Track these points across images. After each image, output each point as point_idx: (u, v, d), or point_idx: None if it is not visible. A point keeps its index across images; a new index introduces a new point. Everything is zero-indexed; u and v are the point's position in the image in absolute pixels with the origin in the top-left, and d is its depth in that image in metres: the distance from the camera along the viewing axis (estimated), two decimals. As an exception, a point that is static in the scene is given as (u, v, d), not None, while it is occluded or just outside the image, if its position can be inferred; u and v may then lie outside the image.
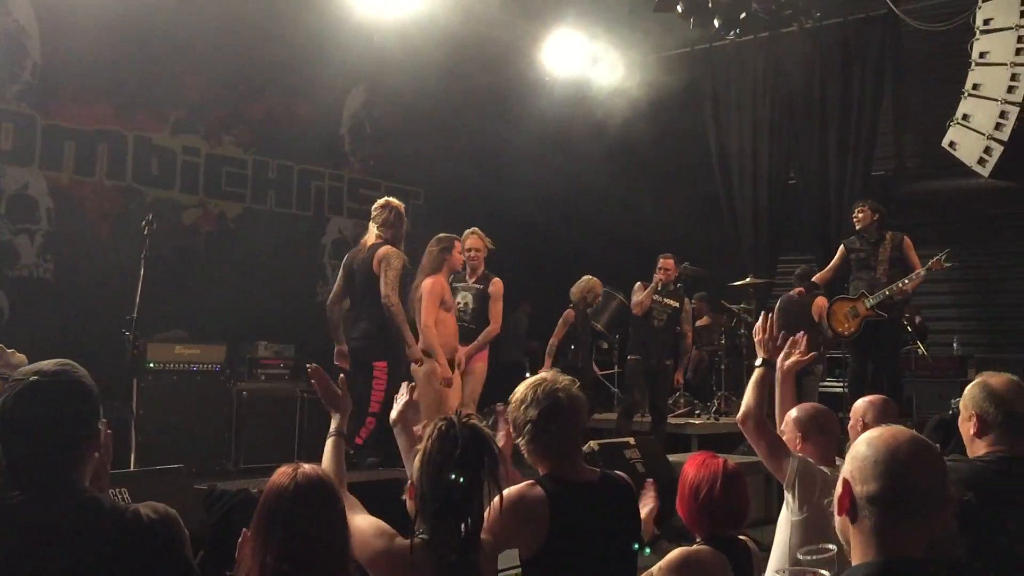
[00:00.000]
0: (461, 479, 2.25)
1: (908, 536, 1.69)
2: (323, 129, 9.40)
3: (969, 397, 2.70)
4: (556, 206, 10.13)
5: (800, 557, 1.75)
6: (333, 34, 8.48)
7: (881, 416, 3.62)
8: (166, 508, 2.02)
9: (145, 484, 4.10)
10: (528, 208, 9.64)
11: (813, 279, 8.10)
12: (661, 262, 8.09)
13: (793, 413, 3.57)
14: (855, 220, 7.95)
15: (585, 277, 8.17)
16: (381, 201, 6.16)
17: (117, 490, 3.99)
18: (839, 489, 1.74)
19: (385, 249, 5.91)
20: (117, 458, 5.70)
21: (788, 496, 3.27)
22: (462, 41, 8.93)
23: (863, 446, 1.76)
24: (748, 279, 9.19)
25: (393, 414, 2.84)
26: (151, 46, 7.84)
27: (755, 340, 3.66)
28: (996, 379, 2.69)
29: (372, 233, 6.06)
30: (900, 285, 7.60)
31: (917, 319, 8.16)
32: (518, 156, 9.75)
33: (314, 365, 2.91)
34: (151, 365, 6.91)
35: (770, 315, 3.75)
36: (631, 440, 6.01)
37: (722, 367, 8.96)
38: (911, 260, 7.88)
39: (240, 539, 2.10)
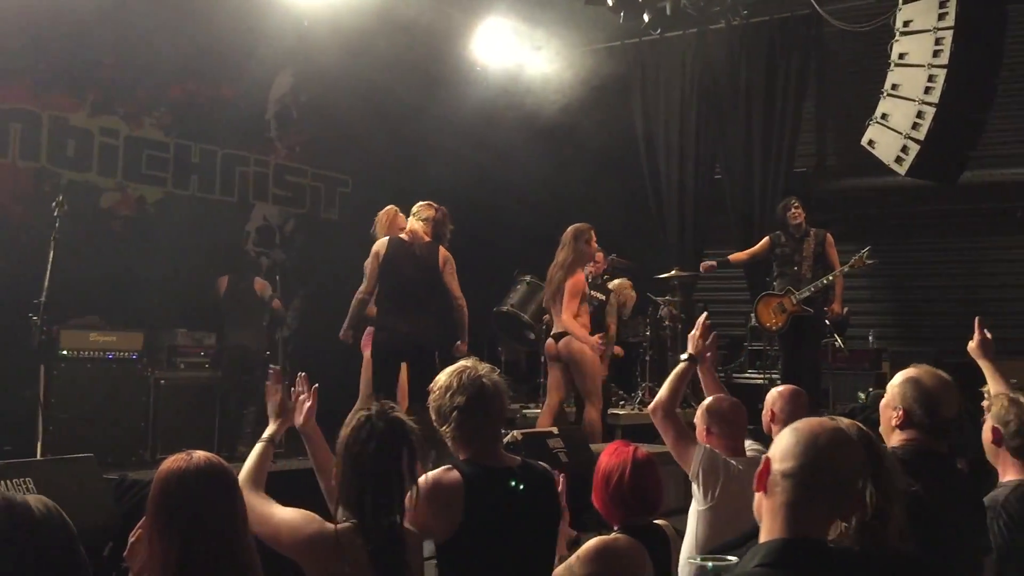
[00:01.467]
0: (381, 469, 2.26)
1: (815, 516, 1.75)
2: (248, 113, 9.20)
3: (898, 390, 2.72)
4: (485, 195, 10.10)
5: (699, 563, 1.76)
6: (260, 16, 8.30)
7: (791, 406, 3.69)
8: (48, 501, 1.91)
9: (52, 473, 3.95)
10: (457, 197, 9.53)
11: (728, 257, 8.24)
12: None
13: (704, 403, 3.62)
14: (791, 216, 8.09)
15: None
16: (426, 202, 6.40)
17: (22, 479, 3.84)
18: (760, 467, 1.80)
19: (445, 251, 6.30)
20: (22, 446, 5.55)
21: (694, 486, 3.32)
22: (392, 27, 8.83)
23: (788, 432, 1.83)
24: (674, 272, 9.29)
25: (299, 418, 2.82)
26: (69, 24, 7.56)
27: (690, 336, 3.74)
28: (930, 379, 2.71)
29: (417, 227, 6.26)
30: (826, 282, 7.77)
31: (845, 310, 8.35)
32: (448, 144, 9.69)
33: (276, 368, 2.90)
34: (64, 352, 6.68)
35: (706, 315, 3.85)
36: (555, 430, 6.02)
37: (647, 358, 9.03)
38: (831, 258, 8.06)
39: (132, 535, 2.04)
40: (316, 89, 9.55)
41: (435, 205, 6.41)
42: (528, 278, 8.84)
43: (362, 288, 6.28)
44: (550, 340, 7.12)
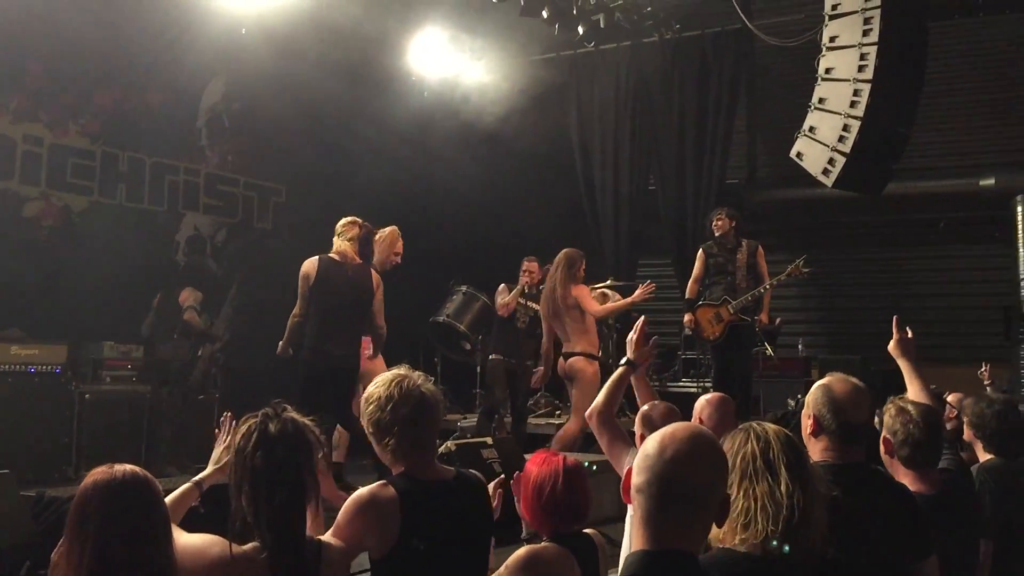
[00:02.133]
0: (277, 478, 2.16)
1: (674, 528, 1.75)
2: (179, 121, 9.02)
3: (811, 397, 2.74)
4: (421, 204, 10.06)
5: None
6: (191, 22, 8.15)
7: (719, 414, 3.73)
8: None
9: (-34, 492, 3.80)
10: (392, 207, 9.51)
11: (687, 297, 8.25)
12: (525, 265, 8.13)
13: (643, 409, 3.64)
14: (715, 227, 8.18)
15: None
16: (350, 219, 6.33)
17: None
18: (623, 479, 1.82)
19: (376, 274, 6.32)
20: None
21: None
22: (327, 35, 8.74)
23: (648, 441, 1.82)
24: (609, 281, 9.33)
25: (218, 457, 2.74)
26: (-11, 27, 7.34)
27: (627, 340, 3.74)
28: (839, 385, 2.71)
29: (346, 247, 6.22)
30: (761, 291, 7.89)
31: (777, 320, 8.48)
32: (383, 154, 9.62)
33: (228, 415, 2.81)
34: (-17, 366, 6.45)
35: (643, 319, 3.85)
36: (488, 440, 5.99)
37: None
38: (762, 268, 8.18)
39: (55, 553, 1.96)
40: (249, 97, 9.42)
41: (359, 221, 6.35)
42: (464, 288, 8.81)
43: (295, 310, 6.23)
44: (560, 360, 7.20)
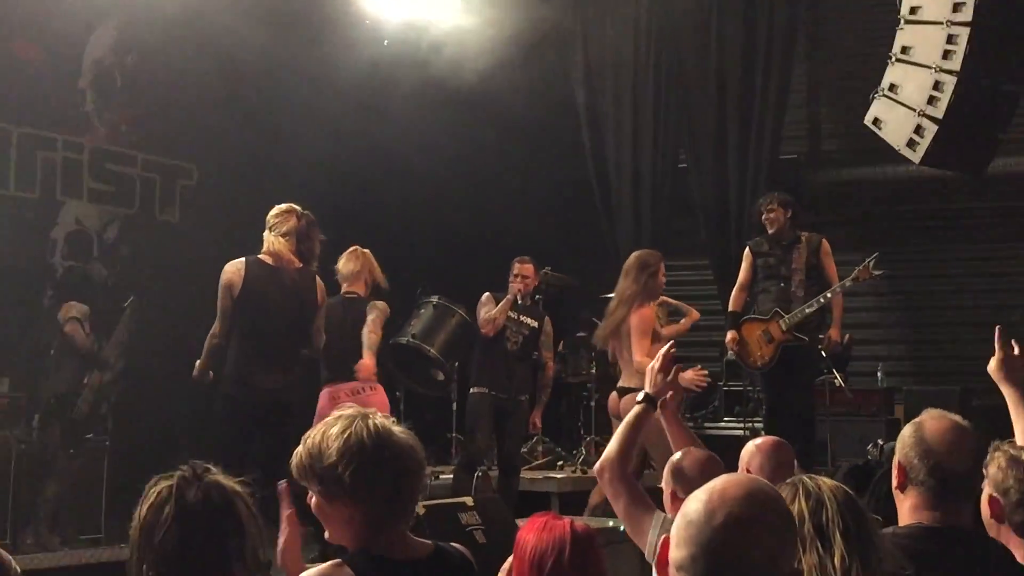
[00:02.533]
0: (195, 562, 2.15)
1: None
2: (55, 80, 8.99)
3: (900, 440, 2.77)
4: (377, 188, 10.03)
5: None
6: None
7: (772, 464, 3.73)
8: None
9: None
10: (339, 191, 9.51)
11: (730, 308, 8.23)
12: (517, 267, 8.13)
13: (672, 459, 3.64)
14: (765, 221, 8.19)
15: None
16: (285, 207, 6.38)
17: None
18: (658, 552, 1.85)
19: (320, 282, 6.47)
20: None
21: (654, 571, 3.31)
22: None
23: (691, 501, 1.82)
24: (627, 291, 9.35)
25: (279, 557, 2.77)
26: None
27: (647, 370, 3.79)
28: (933, 423, 2.73)
29: (281, 246, 6.27)
30: (821, 301, 7.88)
31: (846, 337, 8.50)
32: (328, 123, 9.59)
33: (283, 484, 2.78)
34: None
35: (671, 345, 3.93)
36: (468, 501, 5.99)
37: (591, 403, 9.07)
38: (828, 270, 8.18)
39: None
40: (148, 48, 9.38)
41: (297, 209, 6.37)
42: (435, 299, 8.78)
43: (214, 329, 6.26)
44: (613, 395, 7.24)
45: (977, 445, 2.78)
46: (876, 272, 7.94)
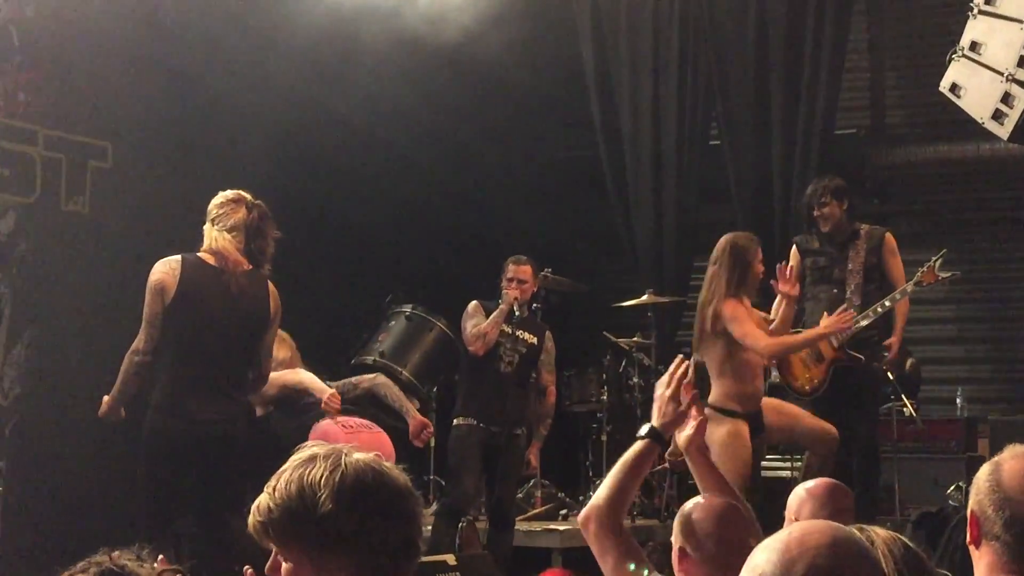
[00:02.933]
0: None
1: None
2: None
3: (974, 484, 2.77)
4: (335, 176, 9.99)
5: None
6: None
7: (826, 512, 3.74)
8: None
9: None
10: (288, 177, 9.50)
11: (771, 319, 8.12)
12: (512, 269, 8.15)
13: (684, 507, 3.61)
14: (819, 218, 8.20)
15: None
16: (232, 195, 6.40)
17: None
18: None
19: (273, 288, 6.48)
20: None
21: None
22: None
23: (760, 552, 1.86)
24: (646, 296, 9.36)
25: None
26: None
27: (655, 396, 3.76)
28: (1014, 463, 2.72)
29: (226, 243, 6.28)
30: (884, 308, 7.88)
31: (908, 363, 8.49)
32: (272, 91, 9.58)
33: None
34: None
35: (689, 362, 3.86)
36: (449, 559, 5.99)
37: (603, 437, 9.07)
38: (894, 270, 8.20)
39: None
40: (52, 1, 9.38)
41: (247, 198, 6.38)
42: (409, 310, 8.80)
43: (138, 342, 6.22)
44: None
45: None
46: (944, 274, 7.91)
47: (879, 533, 2.24)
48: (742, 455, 6.87)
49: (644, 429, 3.72)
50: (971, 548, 2.73)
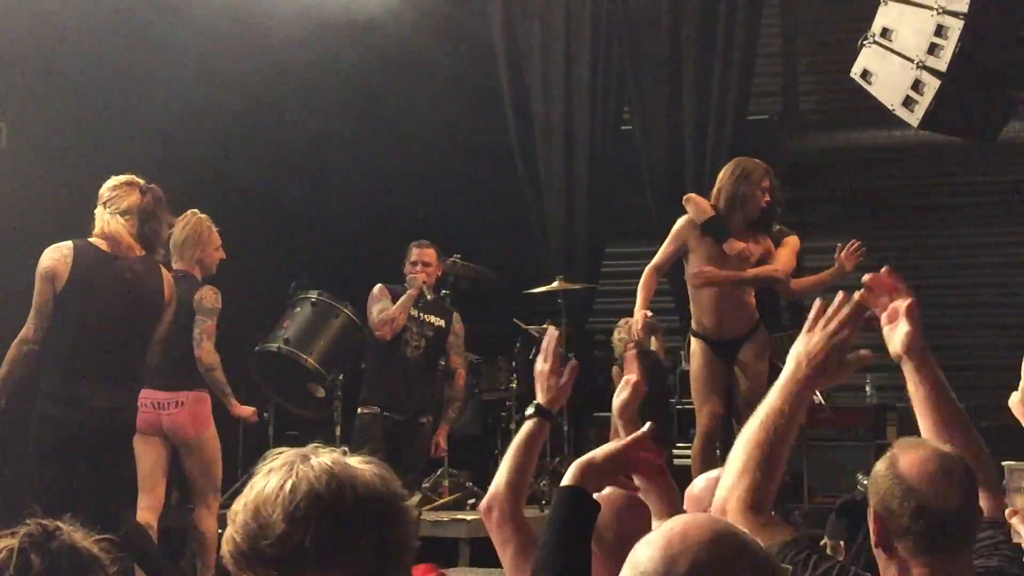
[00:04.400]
0: None
1: None
2: None
3: (872, 486, 2.79)
4: (240, 153, 9.84)
5: None
6: None
7: None
8: None
9: None
10: (191, 156, 9.33)
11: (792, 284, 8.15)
12: (415, 253, 8.18)
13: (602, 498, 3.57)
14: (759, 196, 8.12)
15: None
16: (125, 179, 6.35)
17: None
18: None
19: (168, 274, 6.47)
20: None
21: None
22: None
23: (641, 549, 1.86)
24: (557, 283, 9.34)
25: None
26: None
27: (537, 373, 3.70)
28: (910, 456, 2.76)
29: (119, 227, 6.22)
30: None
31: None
32: (174, 63, 9.40)
33: None
34: None
35: (556, 333, 3.83)
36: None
37: (512, 425, 9.03)
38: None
39: None
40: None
41: (139, 183, 6.31)
42: (314, 296, 8.72)
43: (26, 333, 6.13)
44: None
45: (969, 479, 2.79)
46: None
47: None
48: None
49: (531, 408, 3.65)
50: (879, 554, 2.75)
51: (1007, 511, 2.99)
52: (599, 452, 3.13)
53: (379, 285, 8.17)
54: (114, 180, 6.32)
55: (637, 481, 3.66)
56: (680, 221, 7.71)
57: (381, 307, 8.04)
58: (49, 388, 6.13)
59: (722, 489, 2.92)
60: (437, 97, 10.81)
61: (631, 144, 10.83)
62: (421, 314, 8.09)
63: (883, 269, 3.37)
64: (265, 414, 9.05)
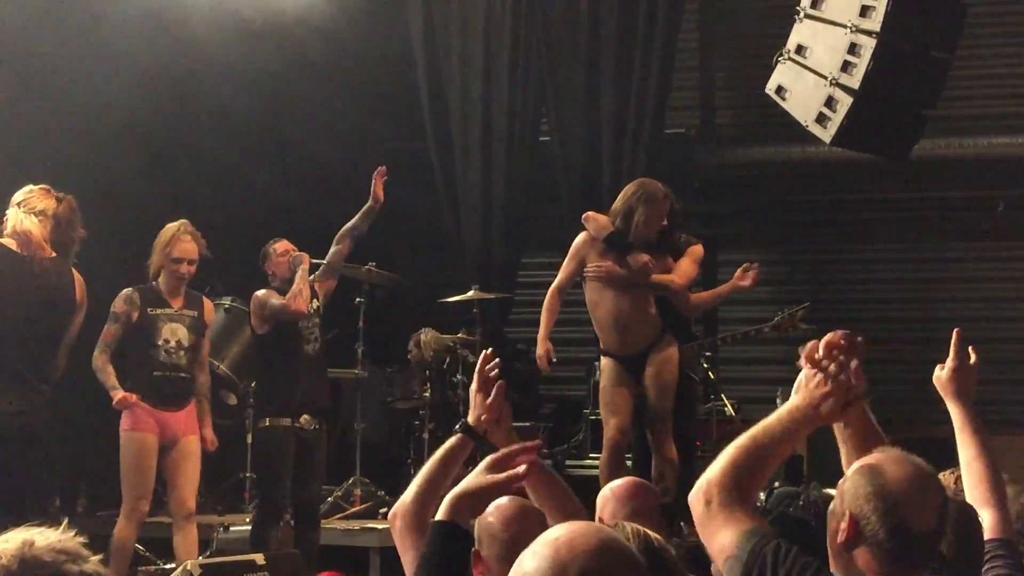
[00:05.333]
0: None
1: None
2: None
3: (850, 487, 2.79)
4: (154, 151, 9.71)
5: None
6: None
7: (627, 513, 3.76)
8: None
9: None
10: (110, 149, 9.19)
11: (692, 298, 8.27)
12: (278, 247, 7.93)
13: (485, 513, 3.56)
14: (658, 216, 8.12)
15: None
16: (39, 188, 6.44)
17: None
18: None
19: (78, 275, 6.45)
20: None
21: None
22: None
23: (528, 559, 1.89)
24: (472, 292, 9.35)
25: None
26: None
27: (472, 391, 3.74)
28: (896, 467, 2.77)
29: (32, 227, 6.27)
30: (730, 340, 8.19)
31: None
32: (104, 64, 9.23)
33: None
34: None
35: (487, 352, 3.81)
36: (258, 558, 5.92)
37: (424, 434, 9.03)
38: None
39: None
40: None
41: (54, 191, 6.42)
42: (228, 302, 8.65)
43: None
44: None
45: (945, 497, 2.84)
46: (804, 326, 8.18)
47: (626, 527, 2.25)
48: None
49: (458, 425, 3.71)
50: (836, 549, 2.77)
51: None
52: (472, 484, 3.17)
53: (262, 290, 7.88)
54: (30, 187, 6.38)
55: (529, 490, 3.70)
56: (579, 238, 7.83)
57: (276, 296, 7.70)
58: None
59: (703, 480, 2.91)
60: (354, 103, 10.78)
61: (548, 155, 10.85)
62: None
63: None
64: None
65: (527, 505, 3.63)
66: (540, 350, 7.94)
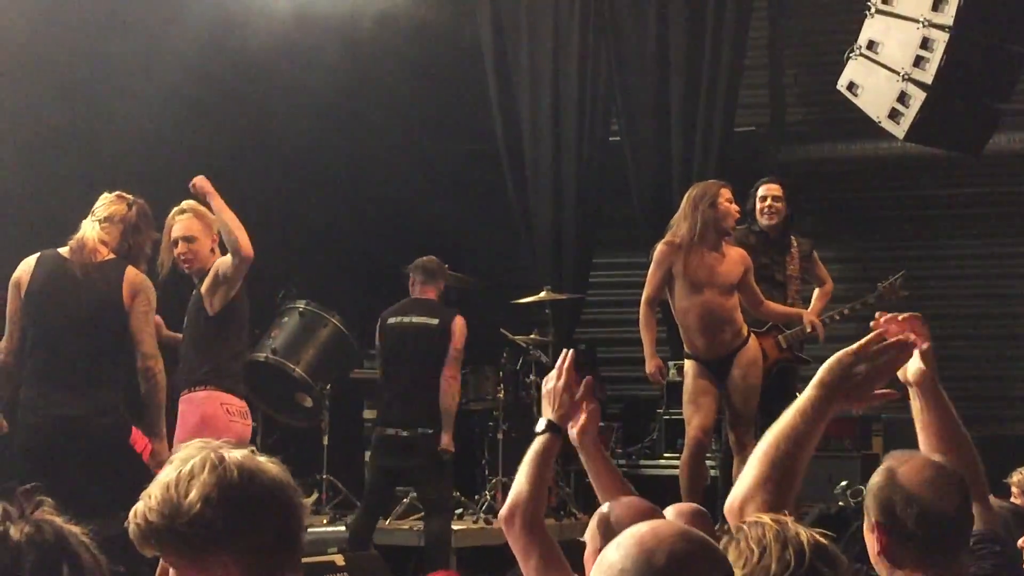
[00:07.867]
0: None
1: None
2: None
3: (872, 499, 2.84)
4: (226, 163, 9.75)
5: None
6: None
7: None
8: None
9: None
10: (183, 156, 9.22)
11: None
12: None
13: (601, 509, 3.60)
14: (765, 211, 8.21)
15: None
16: (113, 196, 6.40)
17: None
18: None
19: (136, 274, 6.27)
20: None
21: None
22: None
23: (613, 550, 1.94)
24: (544, 293, 9.34)
25: None
26: None
27: (544, 391, 3.75)
28: (907, 466, 2.83)
29: (93, 235, 6.22)
30: (838, 316, 8.33)
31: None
32: (170, 72, 9.32)
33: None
34: None
35: (572, 351, 3.83)
36: (338, 559, 5.95)
37: (499, 435, 9.03)
38: (822, 277, 8.56)
39: None
40: None
41: (127, 196, 6.37)
42: (302, 305, 8.70)
43: (1, 343, 6.23)
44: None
45: (961, 481, 2.89)
46: (904, 293, 8.16)
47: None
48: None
49: (541, 424, 3.69)
50: (879, 560, 2.81)
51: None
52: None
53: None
54: (105, 194, 6.37)
55: (589, 466, 3.89)
56: (659, 247, 7.79)
57: None
58: (23, 396, 6.17)
59: (737, 495, 2.94)
60: (426, 103, 10.81)
61: (619, 155, 10.84)
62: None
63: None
64: (253, 424, 9.07)
65: (652, 507, 3.66)
66: (650, 367, 7.98)
